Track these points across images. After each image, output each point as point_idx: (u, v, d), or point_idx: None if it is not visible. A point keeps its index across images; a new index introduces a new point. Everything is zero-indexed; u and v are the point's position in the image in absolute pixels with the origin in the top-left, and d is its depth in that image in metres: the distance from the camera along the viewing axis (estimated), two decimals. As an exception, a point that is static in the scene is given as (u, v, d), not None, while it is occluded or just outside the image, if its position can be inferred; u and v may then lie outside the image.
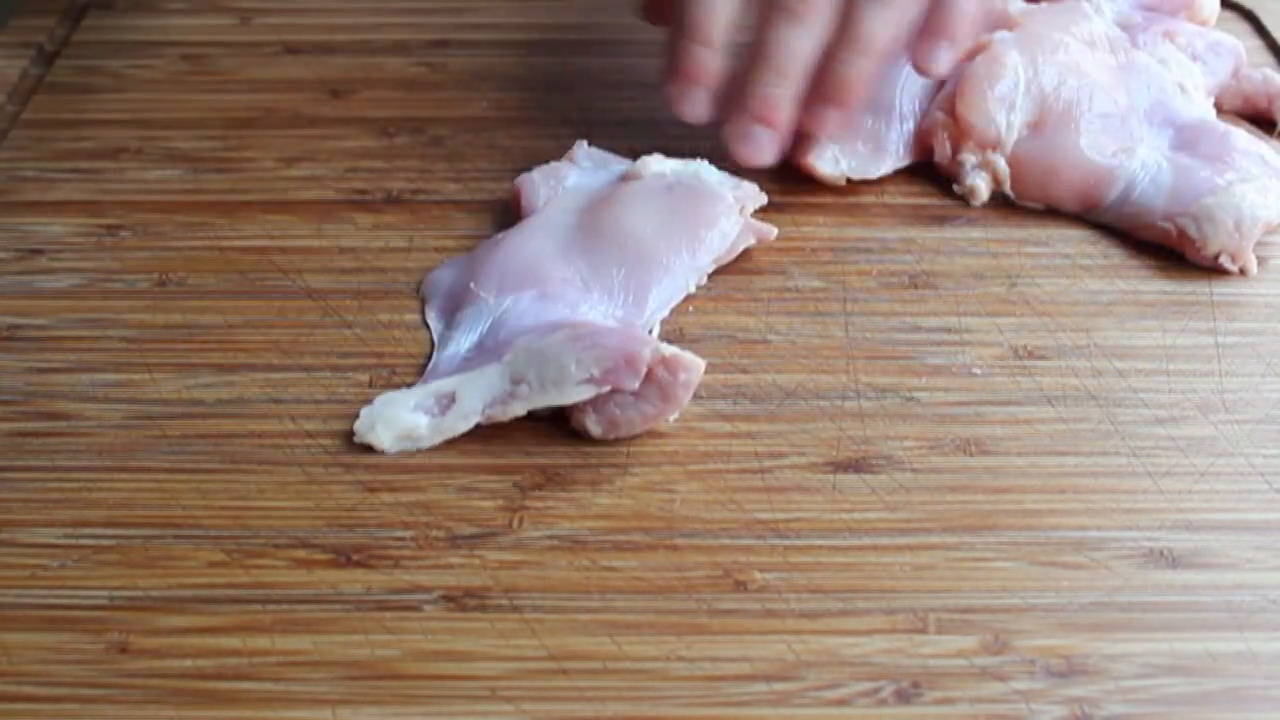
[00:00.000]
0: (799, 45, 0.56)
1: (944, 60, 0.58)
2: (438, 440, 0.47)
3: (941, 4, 0.58)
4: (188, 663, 0.41)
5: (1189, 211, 0.56)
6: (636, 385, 0.46)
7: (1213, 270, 0.56)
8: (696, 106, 0.58)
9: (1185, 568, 0.44)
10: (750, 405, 0.49)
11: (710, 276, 0.55)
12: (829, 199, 0.60)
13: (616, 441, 0.48)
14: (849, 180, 0.60)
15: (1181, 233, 0.56)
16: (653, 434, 0.48)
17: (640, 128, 0.64)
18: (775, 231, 0.56)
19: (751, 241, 0.55)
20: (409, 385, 0.49)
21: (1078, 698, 0.40)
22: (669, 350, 0.47)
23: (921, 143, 0.61)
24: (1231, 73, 0.64)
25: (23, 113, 0.65)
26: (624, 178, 0.57)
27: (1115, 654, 0.41)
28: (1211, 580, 0.44)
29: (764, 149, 0.57)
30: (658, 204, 0.54)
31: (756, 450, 0.48)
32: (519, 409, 0.47)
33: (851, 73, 0.56)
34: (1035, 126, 0.59)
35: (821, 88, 0.57)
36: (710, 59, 0.57)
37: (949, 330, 0.53)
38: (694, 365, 0.47)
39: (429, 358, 0.51)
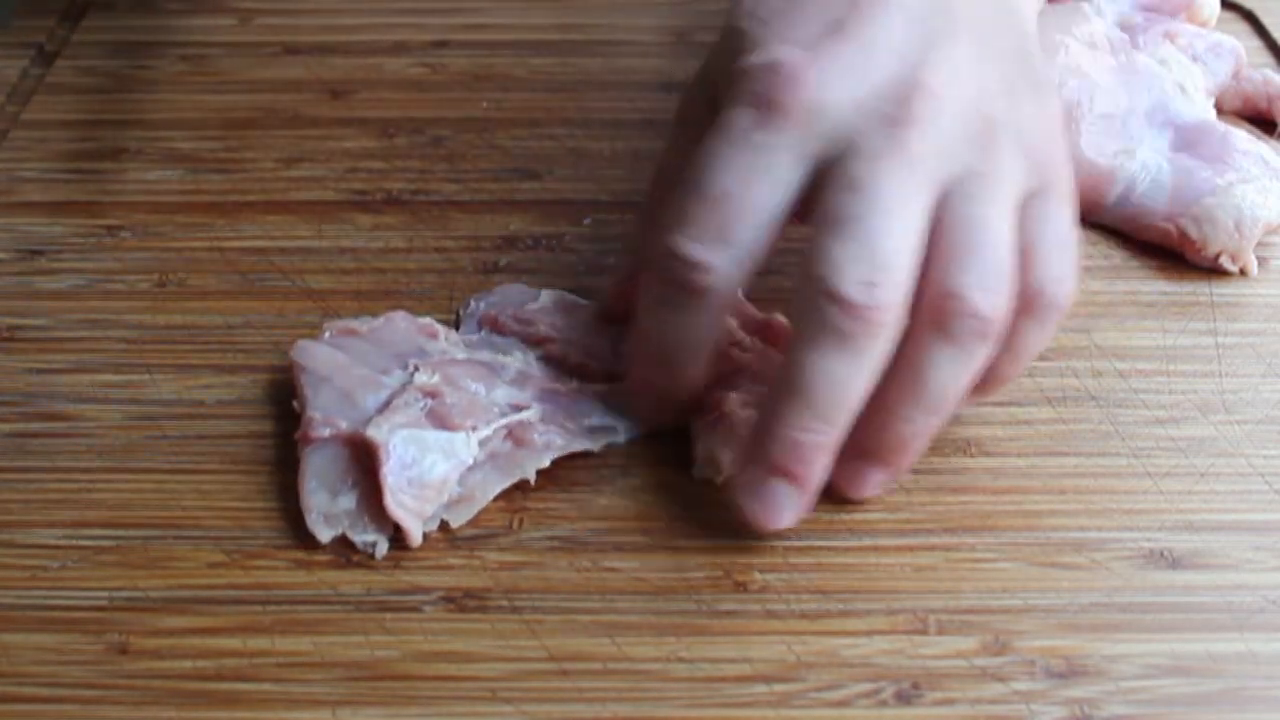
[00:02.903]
0: (849, 382, 0.42)
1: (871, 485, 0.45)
2: None
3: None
4: (188, 663, 0.41)
5: (1189, 212, 0.56)
6: None
7: (1213, 271, 0.56)
8: (658, 412, 0.47)
9: (1185, 568, 0.44)
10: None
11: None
12: (829, 199, 0.59)
13: (617, 442, 0.48)
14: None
15: (1182, 233, 0.56)
16: (652, 434, 0.48)
17: (640, 129, 0.64)
18: None
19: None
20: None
21: (1078, 698, 0.40)
22: None
23: (921, 143, 0.60)
24: (1232, 74, 0.64)
25: (23, 113, 0.65)
26: None
27: (1115, 655, 0.41)
28: (1211, 580, 0.44)
29: (784, 510, 0.43)
30: None
31: (756, 451, 0.48)
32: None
33: (912, 431, 0.43)
34: (1035, 127, 0.59)
35: (867, 443, 0.44)
36: (678, 387, 0.46)
37: (949, 331, 0.53)
38: None
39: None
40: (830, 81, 0.43)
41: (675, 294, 0.44)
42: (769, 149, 0.43)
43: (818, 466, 0.43)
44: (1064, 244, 0.45)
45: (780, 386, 0.43)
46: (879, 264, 0.41)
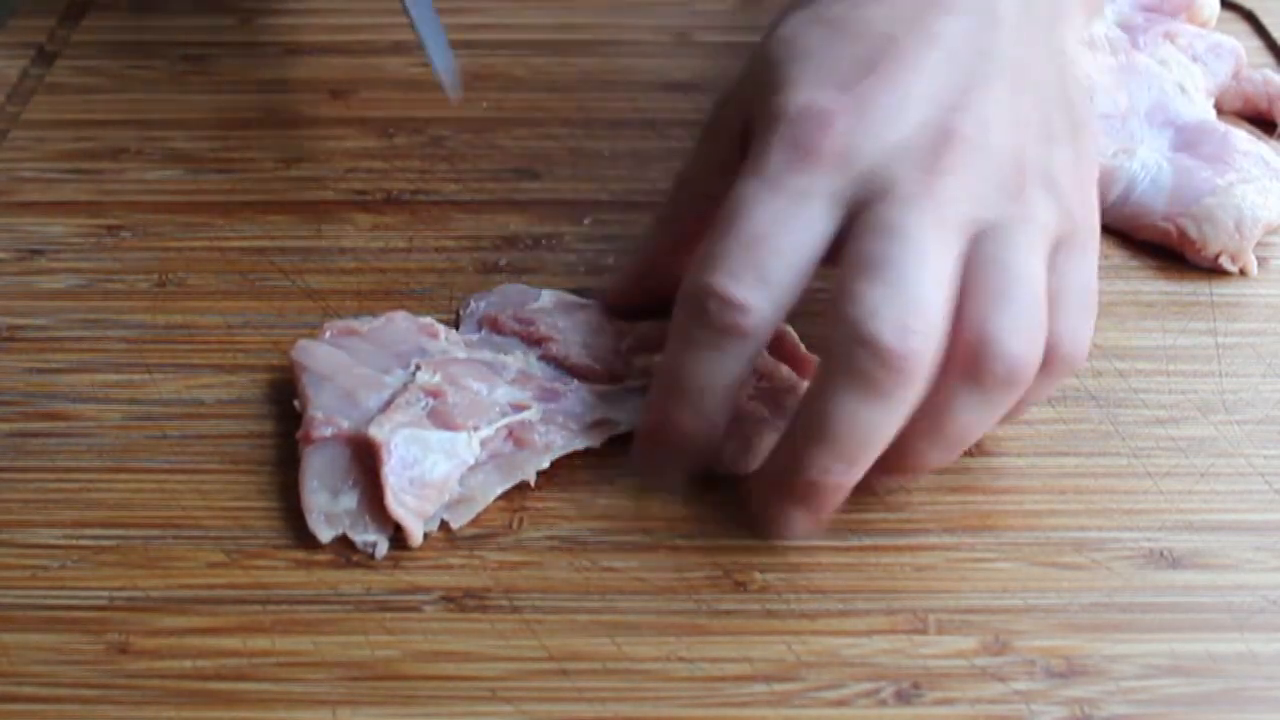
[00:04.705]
0: (877, 428, 0.41)
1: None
2: None
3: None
4: (188, 663, 0.41)
5: (1189, 212, 0.56)
6: None
7: (1213, 271, 0.56)
8: (673, 473, 0.46)
9: (1185, 568, 0.44)
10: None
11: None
12: (829, 199, 0.59)
13: (617, 441, 0.48)
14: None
15: (1182, 233, 0.56)
16: (653, 434, 0.48)
17: (640, 129, 0.64)
18: None
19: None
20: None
21: (1078, 698, 0.40)
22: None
23: (921, 143, 0.60)
24: (1232, 74, 0.64)
25: (23, 113, 0.65)
26: None
27: (1115, 654, 0.41)
28: (1211, 580, 0.44)
29: (797, 528, 0.44)
30: None
31: (756, 451, 0.48)
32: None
33: (927, 464, 0.44)
34: (1035, 127, 0.59)
35: (880, 465, 0.43)
36: (699, 433, 0.45)
37: (949, 331, 0.53)
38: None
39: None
40: (864, 127, 0.43)
41: (710, 334, 0.43)
42: (803, 194, 0.43)
43: (836, 500, 0.43)
44: (1086, 298, 0.44)
45: (805, 427, 0.42)
46: (913, 309, 0.41)
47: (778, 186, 0.43)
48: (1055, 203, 0.44)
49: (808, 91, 0.44)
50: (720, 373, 0.43)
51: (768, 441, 0.46)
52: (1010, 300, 0.42)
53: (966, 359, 0.41)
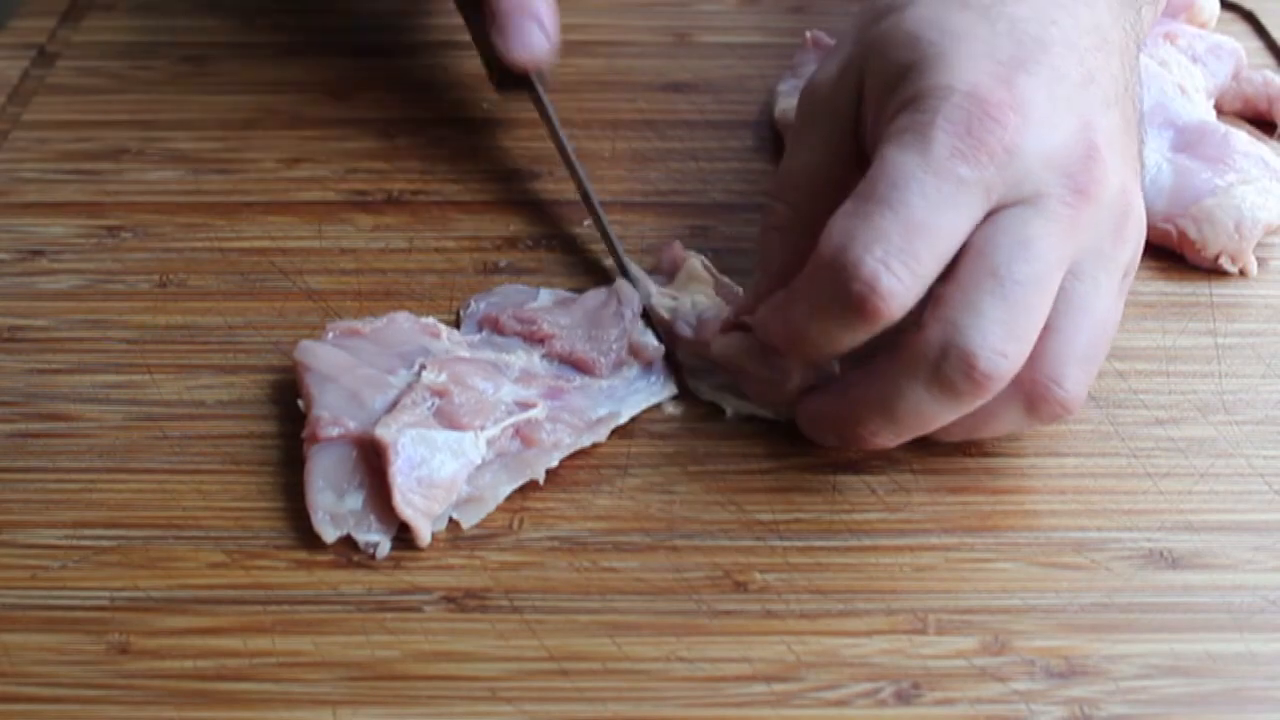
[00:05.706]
0: (937, 419, 0.44)
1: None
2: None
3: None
4: (188, 663, 0.41)
5: (1189, 213, 0.56)
6: None
7: (1213, 271, 0.56)
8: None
9: (1185, 568, 0.44)
10: (751, 405, 0.49)
11: (710, 277, 0.55)
12: (829, 200, 0.59)
13: (617, 442, 0.48)
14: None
15: (1182, 234, 0.56)
16: (652, 434, 0.48)
17: (640, 129, 0.64)
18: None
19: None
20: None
21: (1078, 698, 0.40)
22: None
23: (922, 144, 0.60)
24: (1232, 75, 0.64)
25: (24, 114, 0.65)
26: None
27: (1115, 655, 0.41)
28: (1211, 581, 0.44)
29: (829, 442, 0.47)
30: None
31: (756, 450, 0.48)
32: None
33: (935, 433, 0.45)
34: (1035, 127, 0.59)
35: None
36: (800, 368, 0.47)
37: (949, 331, 0.53)
38: None
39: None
40: (1029, 127, 0.42)
41: (844, 310, 0.42)
42: (965, 183, 0.42)
43: (873, 447, 0.46)
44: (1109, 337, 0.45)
45: (871, 396, 0.44)
46: (1018, 336, 0.42)
47: (942, 172, 0.42)
48: (1135, 242, 0.45)
49: (970, 75, 0.43)
50: (841, 343, 0.43)
51: (801, 383, 0.48)
52: (1083, 346, 0.43)
53: (1029, 394, 0.43)
